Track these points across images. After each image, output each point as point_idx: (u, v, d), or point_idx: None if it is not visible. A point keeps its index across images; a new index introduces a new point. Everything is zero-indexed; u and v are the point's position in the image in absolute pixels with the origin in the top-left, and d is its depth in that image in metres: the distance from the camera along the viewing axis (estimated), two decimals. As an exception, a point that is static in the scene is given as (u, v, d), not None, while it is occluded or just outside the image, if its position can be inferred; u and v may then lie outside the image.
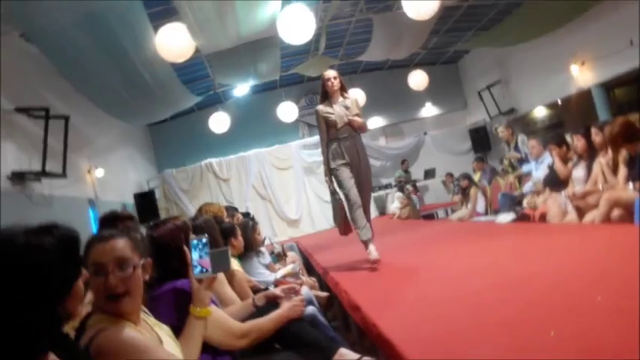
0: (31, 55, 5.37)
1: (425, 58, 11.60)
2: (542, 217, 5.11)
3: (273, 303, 2.46)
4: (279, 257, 5.10)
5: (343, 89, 3.85)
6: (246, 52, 7.11)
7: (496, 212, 6.57)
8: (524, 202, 5.85)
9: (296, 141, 11.27)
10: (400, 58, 9.99)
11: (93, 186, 7.10)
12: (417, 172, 11.57)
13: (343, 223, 3.80)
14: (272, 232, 9.80)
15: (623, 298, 1.74)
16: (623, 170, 3.96)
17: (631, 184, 3.80)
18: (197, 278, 1.80)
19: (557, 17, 7.43)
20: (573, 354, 1.38)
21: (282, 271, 4.04)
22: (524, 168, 6.86)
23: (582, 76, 8.68)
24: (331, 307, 4.08)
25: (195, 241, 1.84)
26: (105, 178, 7.43)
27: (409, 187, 9.67)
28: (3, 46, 4.72)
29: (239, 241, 3.51)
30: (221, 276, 2.46)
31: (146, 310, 1.61)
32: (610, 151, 4.14)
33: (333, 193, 3.77)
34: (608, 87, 8.51)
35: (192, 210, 8.86)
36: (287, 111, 10.25)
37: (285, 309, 2.27)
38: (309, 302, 2.93)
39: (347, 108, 3.73)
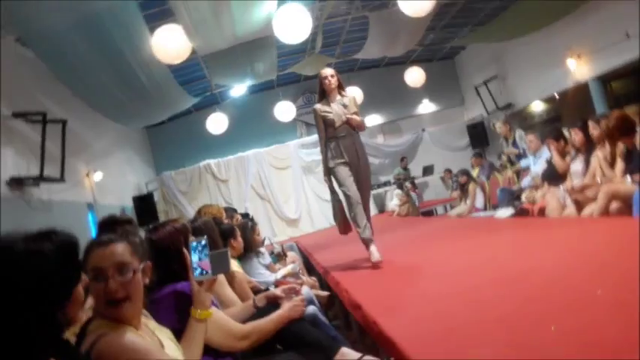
0: (27, 59, 5.36)
1: (421, 54, 11.60)
2: (541, 212, 5.12)
3: (273, 303, 2.45)
4: (279, 257, 5.10)
5: (341, 87, 3.81)
6: (243, 52, 7.10)
7: (495, 207, 6.57)
8: (523, 197, 5.86)
9: (294, 140, 11.27)
10: (397, 55, 9.99)
11: (91, 190, 7.09)
12: (415, 168, 11.57)
13: (343, 222, 3.78)
14: (271, 232, 9.80)
15: (622, 292, 1.75)
16: (620, 164, 3.97)
17: (629, 177, 3.81)
18: (197, 280, 1.80)
19: (553, 11, 7.43)
20: (573, 349, 1.38)
21: (282, 271, 4.05)
22: (523, 163, 6.87)
23: (579, 69, 8.69)
24: (332, 306, 4.08)
25: (194, 243, 1.84)
26: (103, 181, 7.42)
27: (408, 184, 9.68)
28: (-1, 51, 4.72)
29: (238, 242, 3.50)
30: (221, 277, 2.46)
31: (147, 314, 1.61)
32: (607, 145, 4.15)
33: (333, 192, 3.76)
34: (604, 80, 8.51)
35: (191, 212, 8.87)
36: (284, 110, 10.25)
37: (285, 309, 2.27)
38: (310, 302, 2.94)
39: (345, 106, 3.70)
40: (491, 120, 10.95)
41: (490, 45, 10.43)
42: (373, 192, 9.90)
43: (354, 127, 3.70)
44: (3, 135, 4.92)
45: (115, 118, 7.63)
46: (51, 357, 1.09)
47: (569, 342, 1.43)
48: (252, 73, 8.39)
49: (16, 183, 4.98)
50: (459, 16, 9.40)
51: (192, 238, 1.93)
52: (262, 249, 4.32)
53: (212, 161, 10.60)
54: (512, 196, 6.19)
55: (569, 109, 9.27)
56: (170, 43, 5.56)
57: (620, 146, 3.97)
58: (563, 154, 5.03)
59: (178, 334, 1.69)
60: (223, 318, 2.03)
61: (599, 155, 4.25)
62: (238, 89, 10.56)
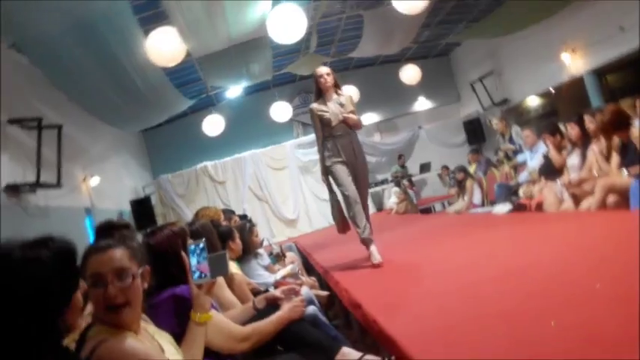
0: (22, 65, 5.34)
1: (416, 52, 11.61)
2: (539, 207, 5.13)
3: (273, 305, 2.45)
4: (278, 258, 5.10)
5: (337, 86, 3.77)
6: (238, 54, 7.09)
7: (493, 203, 6.58)
8: (521, 192, 5.87)
9: (291, 140, 11.27)
10: (392, 53, 9.99)
11: (89, 195, 7.08)
12: (412, 166, 11.58)
13: (341, 221, 3.76)
14: (270, 233, 9.80)
15: (621, 285, 1.75)
16: (615, 157, 3.98)
17: (625, 170, 3.82)
18: (196, 284, 1.80)
19: (548, 6, 7.44)
20: (573, 343, 1.38)
21: (281, 272, 4.04)
22: (519, 158, 6.89)
23: (574, 63, 8.71)
24: (332, 306, 4.08)
25: (192, 247, 1.84)
26: (100, 186, 7.40)
27: (405, 182, 9.69)
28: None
29: (237, 244, 3.50)
30: (220, 280, 2.45)
31: (146, 319, 1.61)
32: (603, 139, 4.16)
33: (331, 191, 3.73)
34: (599, 73, 8.53)
35: (189, 214, 8.85)
36: (281, 111, 10.25)
37: (285, 310, 2.27)
38: (310, 302, 2.93)
39: (341, 105, 3.66)
40: (488, 116, 10.96)
41: (485, 41, 10.44)
42: (371, 190, 9.91)
43: (350, 126, 3.67)
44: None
45: (110, 122, 7.62)
46: (51, 364, 1.09)
47: (569, 337, 1.43)
48: (248, 74, 8.39)
49: (13, 190, 4.96)
50: (453, 12, 9.41)
51: (190, 241, 1.93)
52: (261, 250, 4.32)
53: (209, 163, 10.59)
54: (509, 192, 6.20)
55: (565, 103, 9.29)
56: (164, 46, 5.55)
57: (616, 140, 3.98)
58: (559, 149, 5.04)
59: (178, 338, 1.69)
60: (223, 321, 2.03)
61: (595, 149, 4.27)
62: (234, 91, 10.54)
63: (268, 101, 10.55)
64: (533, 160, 5.98)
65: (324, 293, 3.85)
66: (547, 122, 7.30)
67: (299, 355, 2.14)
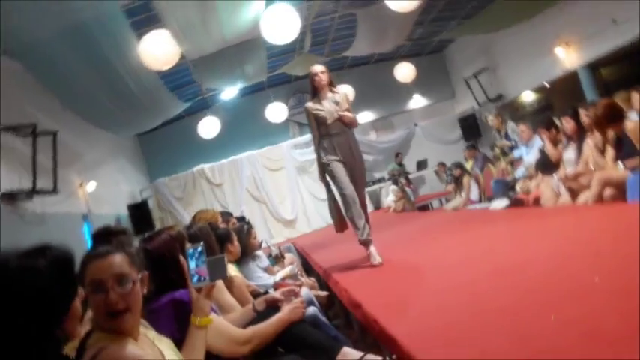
0: (15, 72, 5.32)
1: (410, 49, 11.61)
2: (536, 201, 5.15)
3: (273, 307, 2.45)
4: (277, 259, 5.10)
5: (332, 84, 3.74)
6: (232, 55, 7.09)
7: (490, 199, 6.60)
8: (517, 188, 5.89)
9: (287, 141, 11.27)
10: (386, 51, 10.00)
11: (86, 201, 7.05)
12: (409, 163, 11.59)
13: (339, 220, 3.73)
14: (268, 234, 9.80)
15: (620, 279, 1.75)
16: (610, 151, 3.99)
17: (621, 164, 3.83)
18: (195, 287, 1.79)
19: (540, 2, 7.46)
20: (573, 338, 1.39)
21: (280, 273, 4.04)
22: (515, 153, 6.91)
23: (568, 57, 8.74)
24: (332, 306, 4.08)
25: (190, 250, 1.83)
26: (97, 191, 7.38)
27: (402, 179, 9.70)
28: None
29: (235, 247, 3.50)
30: (220, 283, 2.45)
31: (146, 324, 1.60)
32: (597, 133, 4.17)
33: (329, 190, 3.70)
34: (593, 67, 8.56)
35: (187, 218, 8.85)
36: (276, 111, 10.23)
37: (285, 312, 2.27)
38: (310, 303, 2.93)
39: (337, 103, 3.63)
40: (483, 112, 10.99)
41: (478, 37, 10.46)
42: (368, 189, 9.94)
43: (346, 124, 3.64)
44: (-6, 150, 4.89)
45: (105, 127, 7.60)
46: (51, 373, 1.08)
47: (568, 331, 1.44)
48: (242, 75, 8.37)
49: (9, 198, 4.94)
50: (446, 9, 9.42)
51: (188, 244, 1.92)
52: (259, 252, 4.31)
53: (206, 166, 10.58)
54: (506, 187, 6.22)
55: (560, 97, 9.32)
56: (158, 49, 5.52)
57: (610, 134, 3.99)
58: (555, 143, 5.05)
59: (179, 342, 1.68)
60: (223, 324, 2.02)
61: (590, 144, 4.28)
62: (229, 92, 10.52)
63: (263, 102, 10.53)
64: (529, 155, 5.99)
65: (324, 293, 3.85)
66: (542, 117, 7.32)
67: (300, 356, 2.14)
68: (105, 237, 2.17)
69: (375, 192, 11.10)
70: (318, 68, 3.70)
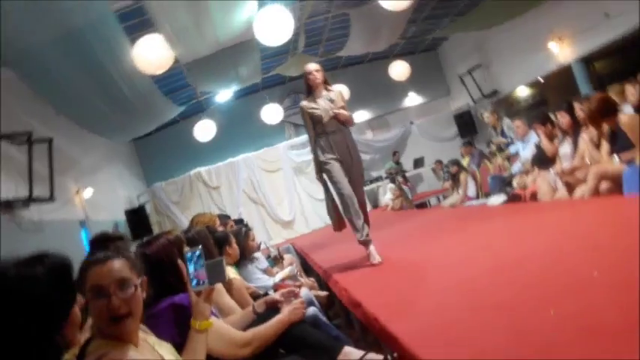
0: (8, 79, 5.30)
1: (404, 48, 11.63)
2: (533, 196, 5.16)
3: (273, 308, 2.45)
4: (276, 260, 5.09)
5: (326, 82, 3.71)
6: (226, 58, 7.08)
7: (487, 195, 6.61)
8: (514, 183, 5.90)
9: (283, 142, 11.26)
10: (380, 50, 10.01)
11: (83, 207, 7.04)
12: (406, 161, 11.61)
13: (337, 219, 3.69)
14: (267, 235, 9.79)
15: (619, 272, 1.76)
16: (605, 145, 4.01)
17: (616, 157, 3.85)
18: (195, 291, 1.79)
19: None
20: (573, 332, 1.39)
21: (280, 275, 4.04)
22: (511, 149, 6.93)
23: (561, 52, 8.76)
24: (332, 306, 4.08)
25: (189, 254, 1.83)
26: (94, 197, 7.36)
27: (399, 178, 9.71)
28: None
29: (234, 249, 3.49)
30: (219, 286, 2.45)
31: (146, 329, 1.60)
32: (592, 127, 4.19)
33: (326, 188, 3.67)
34: (587, 61, 8.59)
35: (184, 221, 8.83)
36: (272, 113, 10.23)
37: (285, 313, 2.27)
38: (310, 303, 2.93)
39: (332, 101, 3.60)
40: (478, 109, 11.00)
41: (472, 34, 10.48)
42: (366, 188, 9.92)
43: (342, 122, 3.61)
44: (-10, 158, 4.87)
45: (101, 132, 7.58)
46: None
47: (568, 326, 1.44)
48: (237, 77, 8.37)
49: (5, 206, 4.92)
50: (439, 7, 9.44)
51: (186, 248, 1.92)
52: (258, 254, 4.31)
53: (202, 169, 10.56)
54: (503, 183, 6.23)
55: (554, 92, 9.35)
56: (152, 54, 5.51)
57: (605, 128, 4.00)
58: (551, 138, 5.06)
59: (179, 347, 1.68)
60: (223, 327, 2.02)
61: (585, 138, 4.29)
62: (224, 95, 10.52)
63: (258, 104, 10.52)
64: (525, 150, 6.01)
65: (324, 293, 3.85)
66: (537, 112, 7.34)
67: (301, 356, 2.14)
68: (102, 243, 2.17)
69: (373, 190, 11.11)
70: (313, 67, 3.68)
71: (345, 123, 3.64)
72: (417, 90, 12.56)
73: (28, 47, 4.55)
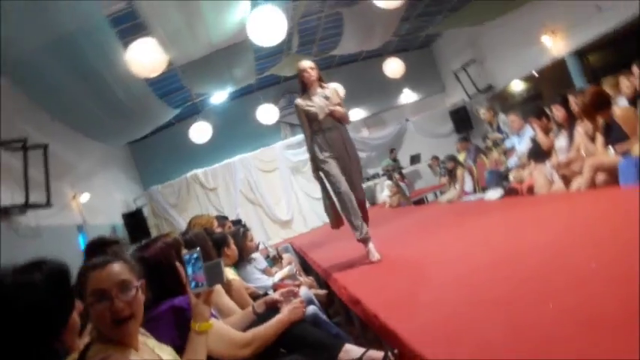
0: (2, 86, 5.28)
1: (398, 45, 11.65)
2: (530, 190, 5.17)
3: (273, 308, 2.45)
4: (275, 260, 5.09)
5: (321, 79, 3.66)
6: (220, 59, 7.07)
7: (484, 190, 6.61)
8: (511, 177, 5.91)
9: (279, 142, 11.27)
10: (373, 48, 10.02)
11: (80, 212, 7.02)
12: (402, 158, 11.64)
13: (335, 217, 3.66)
14: (265, 235, 9.80)
15: (618, 264, 1.76)
16: (600, 138, 4.02)
17: (611, 149, 3.86)
18: (194, 293, 1.79)
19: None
20: (572, 325, 1.39)
21: (279, 274, 4.04)
22: (507, 143, 6.94)
23: (555, 45, 8.78)
24: (332, 304, 4.08)
25: (187, 256, 1.83)
26: (91, 202, 7.35)
27: (396, 174, 9.72)
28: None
29: (232, 250, 3.48)
30: (218, 287, 2.44)
31: (146, 333, 1.60)
32: (586, 120, 4.20)
33: (324, 186, 3.62)
34: (581, 54, 8.61)
35: (182, 224, 8.81)
36: (267, 113, 10.23)
37: (285, 313, 2.27)
38: (310, 302, 2.93)
39: (327, 98, 3.57)
40: (474, 104, 11.03)
41: (465, 30, 10.50)
42: (363, 185, 9.92)
43: (338, 119, 3.58)
44: (-16, 165, 4.86)
45: (96, 137, 7.57)
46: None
47: (567, 319, 1.44)
48: (231, 78, 8.37)
49: (3, 213, 4.91)
50: (432, 4, 9.45)
51: (184, 251, 1.92)
52: (256, 254, 4.30)
53: (199, 171, 10.56)
54: (500, 177, 6.24)
55: (549, 85, 9.37)
56: (145, 57, 5.49)
57: (599, 121, 4.02)
58: (546, 131, 5.07)
59: (180, 349, 1.68)
60: (224, 328, 2.02)
61: (580, 131, 4.31)
62: (219, 96, 10.51)
63: (254, 104, 10.52)
64: (521, 144, 6.02)
65: (323, 292, 3.85)
66: (532, 106, 7.35)
67: (302, 356, 2.14)
68: (99, 248, 2.17)
69: (370, 188, 11.11)
70: (307, 64, 3.64)
71: (340, 120, 3.61)
72: (411, 87, 12.57)
73: (22, 54, 4.54)
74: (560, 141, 4.77)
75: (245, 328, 2.22)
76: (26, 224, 5.30)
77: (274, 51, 8.66)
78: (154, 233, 8.66)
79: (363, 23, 8.16)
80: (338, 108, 3.57)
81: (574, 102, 4.43)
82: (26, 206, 5.16)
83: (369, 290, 2.67)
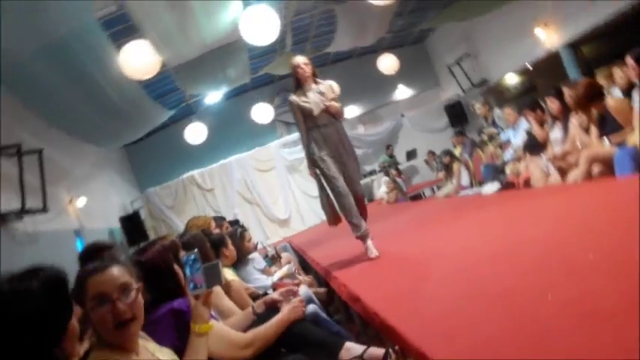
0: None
1: (392, 41, 11.62)
2: (527, 183, 5.18)
3: (273, 308, 2.45)
4: (274, 260, 5.09)
5: (315, 75, 3.61)
6: (214, 59, 7.06)
7: (481, 184, 6.63)
8: (507, 170, 5.92)
9: (275, 141, 11.26)
10: (367, 44, 10.00)
11: (77, 216, 7.00)
12: (398, 154, 11.65)
13: (332, 214, 3.62)
14: (263, 235, 9.80)
15: (616, 254, 1.76)
16: (594, 130, 4.03)
17: (606, 140, 3.87)
18: (193, 295, 1.79)
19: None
20: (572, 317, 1.39)
21: (278, 274, 4.04)
22: (503, 136, 6.95)
23: (548, 38, 8.78)
24: (332, 302, 4.08)
25: (185, 258, 1.82)
26: (88, 206, 7.33)
27: (393, 170, 9.73)
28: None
29: (230, 251, 3.48)
30: (217, 288, 2.44)
31: (145, 336, 1.60)
32: (580, 112, 4.21)
33: (320, 184, 3.57)
34: (574, 46, 8.62)
35: (180, 225, 8.81)
36: (262, 112, 10.21)
37: (285, 312, 2.27)
38: (309, 301, 2.93)
39: (322, 94, 3.51)
40: (469, 99, 11.03)
41: (459, 24, 10.48)
42: (360, 182, 9.93)
43: (333, 115, 3.52)
44: (-21, 172, 4.83)
45: (91, 140, 7.54)
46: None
47: (567, 311, 1.44)
48: (225, 79, 8.35)
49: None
50: (424, -1, 9.44)
51: (182, 253, 1.91)
52: (255, 254, 4.30)
53: (195, 172, 10.54)
54: (496, 171, 6.25)
55: (543, 78, 9.38)
56: (138, 60, 5.47)
57: (593, 112, 4.03)
58: (541, 124, 5.08)
59: (180, 352, 1.67)
60: (224, 329, 2.02)
61: (575, 123, 4.32)
62: (213, 97, 10.48)
63: (248, 104, 10.48)
64: (516, 137, 6.03)
65: (323, 290, 3.85)
66: (527, 98, 7.36)
67: (303, 355, 2.14)
68: (94, 253, 2.16)
69: (367, 184, 11.11)
70: (301, 60, 3.58)
71: (336, 116, 3.56)
72: (406, 83, 12.57)
73: (15, 59, 4.51)
74: (555, 133, 4.78)
75: (245, 329, 2.22)
76: (23, 230, 5.27)
77: (268, 50, 8.64)
78: (151, 235, 8.65)
79: (356, 20, 8.15)
80: (333, 103, 3.51)
81: (568, 94, 4.44)
82: (23, 212, 5.14)
83: (369, 287, 2.67)
